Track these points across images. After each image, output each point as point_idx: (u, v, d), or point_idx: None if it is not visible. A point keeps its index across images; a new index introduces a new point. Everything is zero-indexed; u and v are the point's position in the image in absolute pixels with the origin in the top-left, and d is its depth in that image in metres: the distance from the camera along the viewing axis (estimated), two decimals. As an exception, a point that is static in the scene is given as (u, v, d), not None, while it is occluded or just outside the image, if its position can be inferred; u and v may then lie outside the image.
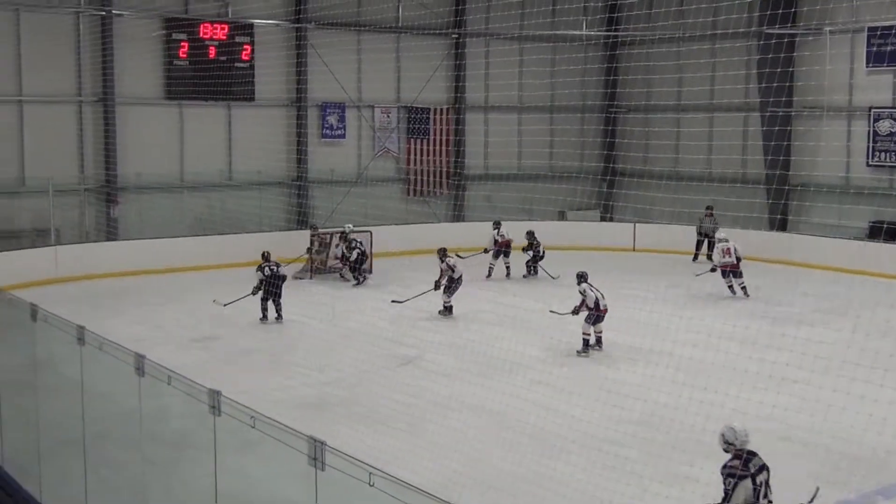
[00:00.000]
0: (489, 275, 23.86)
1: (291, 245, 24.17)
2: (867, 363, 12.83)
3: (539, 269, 23.98)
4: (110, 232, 25.74)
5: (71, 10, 25.19)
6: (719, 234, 22.29)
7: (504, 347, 16.20)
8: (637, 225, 28.80)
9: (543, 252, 23.99)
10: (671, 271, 24.62)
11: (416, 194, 31.19)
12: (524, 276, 24.09)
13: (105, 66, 25.47)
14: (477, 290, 21.02)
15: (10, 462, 9.42)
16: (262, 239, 23.52)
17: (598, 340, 16.41)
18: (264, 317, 18.75)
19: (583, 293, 16.24)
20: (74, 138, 25.57)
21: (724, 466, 7.45)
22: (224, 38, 27.15)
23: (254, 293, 18.57)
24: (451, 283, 19.42)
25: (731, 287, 21.38)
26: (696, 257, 26.55)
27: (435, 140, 31.22)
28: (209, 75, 26.39)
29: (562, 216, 31.28)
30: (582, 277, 16.54)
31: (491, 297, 20.67)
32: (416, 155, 31.08)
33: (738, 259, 21.25)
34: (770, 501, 7.46)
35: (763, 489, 7.31)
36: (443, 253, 19.80)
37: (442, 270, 19.57)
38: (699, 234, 26.68)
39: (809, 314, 18.80)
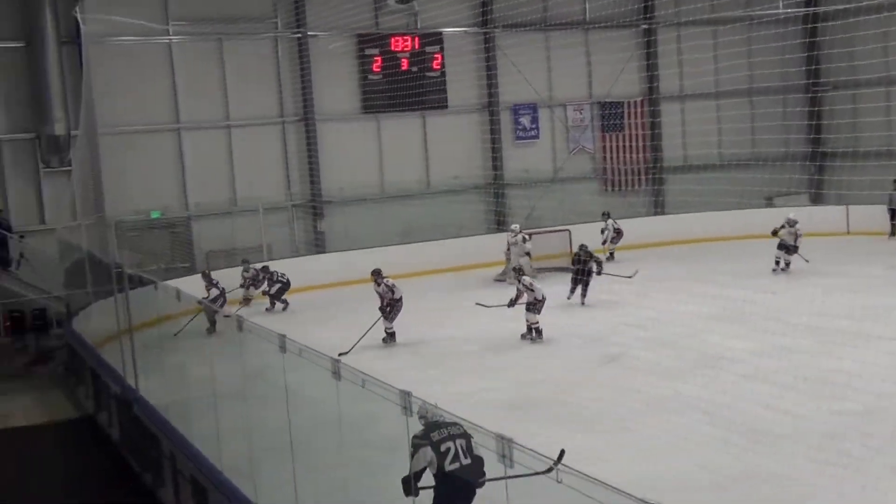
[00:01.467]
0: (611, 257, 24.95)
1: (491, 248, 24.30)
2: None
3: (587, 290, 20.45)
4: (318, 245, 26.69)
5: (269, 34, 26.36)
6: (792, 214, 22.24)
7: (710, 341, 15.71)
8: (850, 207, 27.24)
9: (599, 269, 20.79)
10: (887, 252, 23.20)
11: (614, 190, 30.75)
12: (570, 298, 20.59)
13: (304, 85, 26.55)
14: (680, 283, 20.44)
15: (229, 468, 9.84)
16: (462, 244, 23.75)
17: (533, 329, 17.19)
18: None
19: (530, 286, 17.17)
20: (280, 157, 26.74)
21: (413, 437, 7.77)
22: (415, 48, 27.70)
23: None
24: (392, 307, 17.74)
25: (788, 263, 21.93)
26: (893, 233, 25.38)
27: (630, 134, 30.72)
28: (403, 86, 27.01)
29: (769, 203, 30.04)
30: (520, 272, 18.03)
31: (687, 288, 20.07)
32: (611, 150, 30.68)
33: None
34: (470, 462, 7.43)
35: (455, 453, 7.50)
36: (378, 275, 17.88)
37: (381, 294, 17.76)
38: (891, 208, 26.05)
39: None
